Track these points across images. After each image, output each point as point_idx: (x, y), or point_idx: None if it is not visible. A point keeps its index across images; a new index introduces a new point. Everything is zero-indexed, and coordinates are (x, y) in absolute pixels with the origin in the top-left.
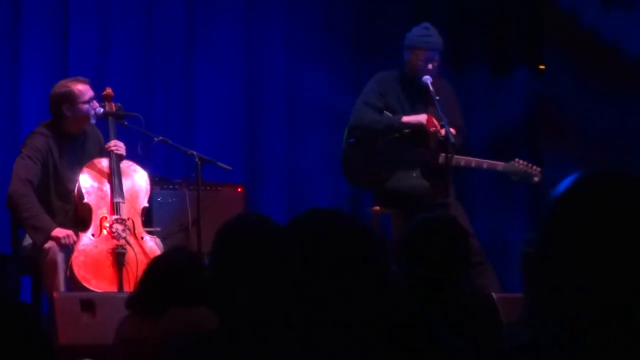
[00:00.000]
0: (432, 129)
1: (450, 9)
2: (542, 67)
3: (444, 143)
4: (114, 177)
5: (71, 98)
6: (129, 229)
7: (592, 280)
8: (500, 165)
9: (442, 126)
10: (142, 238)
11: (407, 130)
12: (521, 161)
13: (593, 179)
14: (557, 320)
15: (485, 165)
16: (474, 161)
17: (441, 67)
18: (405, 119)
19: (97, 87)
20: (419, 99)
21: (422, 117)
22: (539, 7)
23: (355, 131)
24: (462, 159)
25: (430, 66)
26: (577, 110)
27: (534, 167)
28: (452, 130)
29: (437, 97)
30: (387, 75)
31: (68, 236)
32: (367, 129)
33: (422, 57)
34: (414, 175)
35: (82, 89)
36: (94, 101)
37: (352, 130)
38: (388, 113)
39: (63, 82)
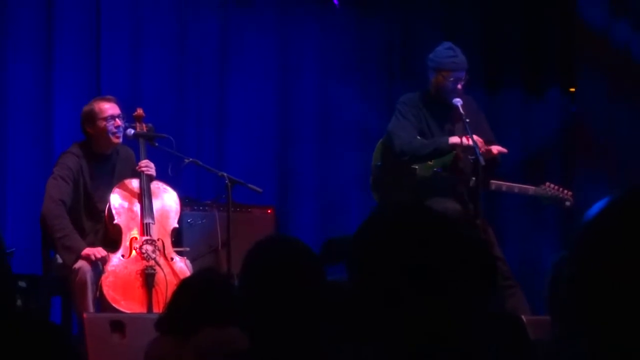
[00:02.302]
0: (483, 149)
1: (482, 31)
2: (572, 89)
3: (474, 166)
4: (144, 197)
5: (91, 116)
6: (159, 250)
7: (625, 303)
8: (531, 189)
9: (473, 149)
10: (171, 259)
11: (455, 152)
12: (552, 185)
13: (624, 202)
14: (588, 343)
15: (516, 190)
16: (504, 185)
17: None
18: (453, 140)
19: (129, 108)
20: (446, 119)
21: (466, 139)
22: (570, 28)
23: (403, 156)
24: (493, 183)
25: (459, 86)
26: (609, 130)
27: (566, 191)
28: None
29: (468, 120)
30: (413, 97)
31: (98, 252)
32: (415, 155)
33: (450, 77)
34: (445, 198)
35: (103, 106)
36: (117, 119)
37: (399, 155)
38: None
39: (91, 101)
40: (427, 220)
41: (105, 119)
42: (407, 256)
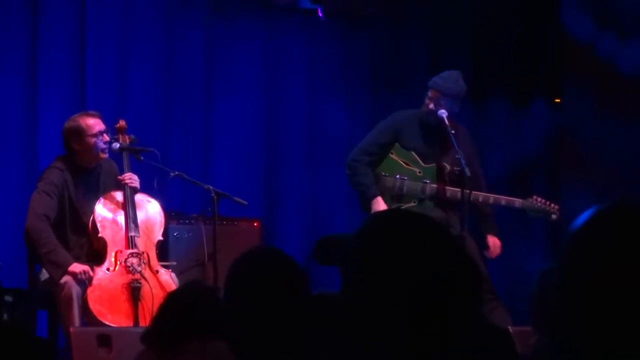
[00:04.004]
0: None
1: (469, 43)
2: (557, 100)
3: (459, 178)
4: (129, 209)
5: (79, 132)
6: (145, 263)
7: (611, 313)
8: (518, 202)
9: (458, 160)
10: (157, 272)
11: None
12: (539, 199)
13: (612, 211)
14: (575, 352)
15: (503, 202)
16: (492, 197)
17: (457, 113)
18: (375, 204)
19: (115, 121)
20: (435, 139)
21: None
22: (556, 40)
23: (347, 167)
24: (480, 195)
25: (436, 106)
26: (595, 141)
27: (552, 204)
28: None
29: (453, 131)
30: (408, 115)
31: (84, 272)
32: (352, 178)
33: (440, 100)
34: (430, 207)
35: (90, 122)
36: (104, 134)
37: (346, 164)
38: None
39: (73, 116)
40: (425, 224)
41: (95, 135)
42: (406, 257)
